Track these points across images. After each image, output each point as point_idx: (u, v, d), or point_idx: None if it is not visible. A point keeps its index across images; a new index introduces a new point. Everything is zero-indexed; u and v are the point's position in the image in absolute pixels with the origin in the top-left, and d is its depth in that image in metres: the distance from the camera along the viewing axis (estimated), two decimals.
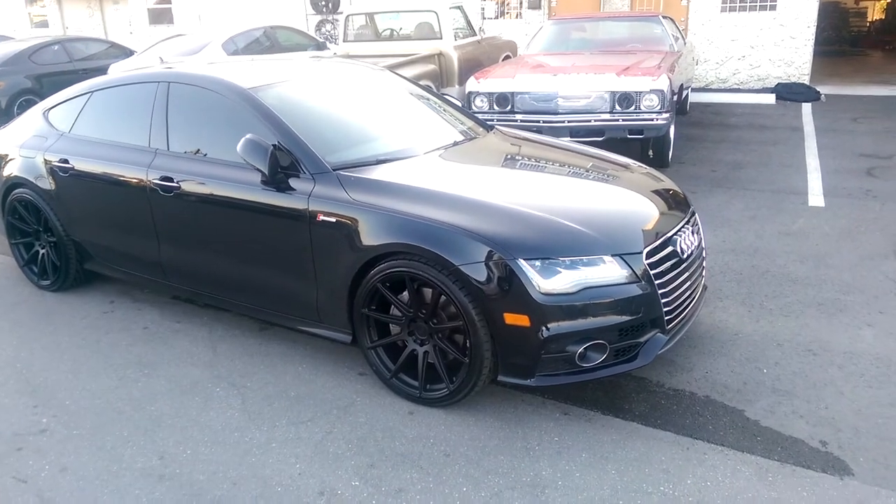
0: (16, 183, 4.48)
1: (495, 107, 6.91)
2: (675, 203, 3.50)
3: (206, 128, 3.73)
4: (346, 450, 2.84)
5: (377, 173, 3.27)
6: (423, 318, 3.04)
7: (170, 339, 3.84)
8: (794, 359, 3.43)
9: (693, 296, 3.33)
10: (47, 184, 4.29)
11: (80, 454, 2.84)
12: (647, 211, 3.24)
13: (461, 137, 3.97)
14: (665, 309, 3.02)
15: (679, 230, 3.24)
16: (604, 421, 3.00)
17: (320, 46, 11.49)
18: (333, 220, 3.15)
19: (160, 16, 17.93)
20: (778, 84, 11.48)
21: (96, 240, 4.21)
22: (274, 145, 3.31)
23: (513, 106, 6.84)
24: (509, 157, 3.85)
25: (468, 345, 2.92)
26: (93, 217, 4.16)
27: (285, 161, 3.33)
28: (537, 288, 2.77)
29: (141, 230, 3.90)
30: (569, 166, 3.68)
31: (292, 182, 3.29)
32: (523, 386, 2.93)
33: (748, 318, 3.87)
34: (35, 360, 3.63)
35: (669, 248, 3.12)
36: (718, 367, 3.38)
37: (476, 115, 6.91)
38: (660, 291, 2.98)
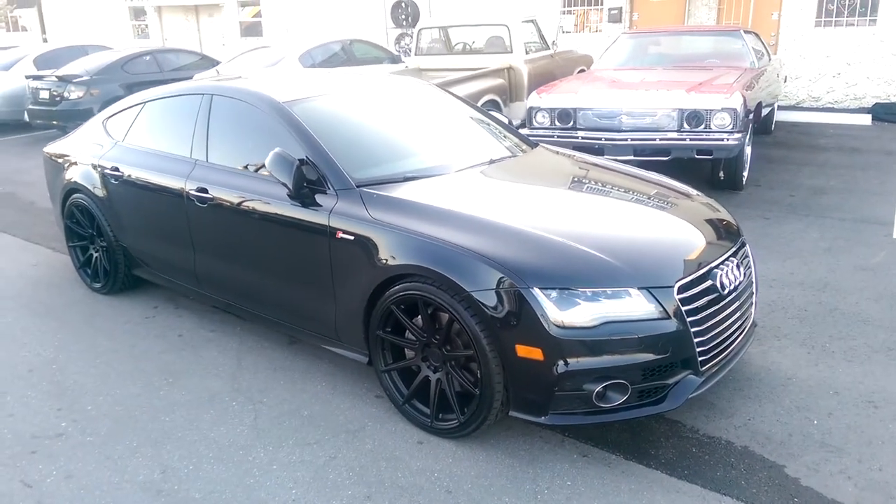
0: (73, 188, 4.65)
1: (557, 123, 6.71)
2: (724, 234, 3.23)
3: (242, 140, 3.75)
4: (347, 478, 2.74)
5: (400, 191, 3.18)
6: (437, 344, 2.91)
7: (200, 349, 3.87)
8: (850, 410, 3.09)
9: (736, 335, 3.05)
10: (100, 190, 4.43)
11: (87, 462, 2.86)
12: (686, 241, 3.00)
13: (500, 155, 3.82)
14: (699, 349, 2.77)
15: (721, 263, 2.98)
16: (624, 467, 2.77)
17: (395, 60, 11.59)
18: (352, 237, 3.07)
19: (251, 29, 18.63)
20: (875, 104, 10.69)
21: (141, 246, 4.31)
22: (301, 160, 3.27)
23: (575, 122, 6.62)
24: (546, 176, 3.67)
25: (479, 375, 2.76)
26: (139, 224, 4.26)
27: (313, 176, 3.28)
28: (552, 320, 2.59)
29: (179, 239, 3.96)
30: (612, 189, 3.47)
31: (317, 197, 3.24)
32: (537, 423, 2.74)
33: (805, 361, 3.52)
34: (71, 362, 3.73)
35: (707, 283, 2.86)
36: (763, 415, 3.08)
37: (537, 131, 6.79)
38: (693, 329, 2.74)
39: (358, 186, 3.21)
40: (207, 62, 12.76)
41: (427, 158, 3.61)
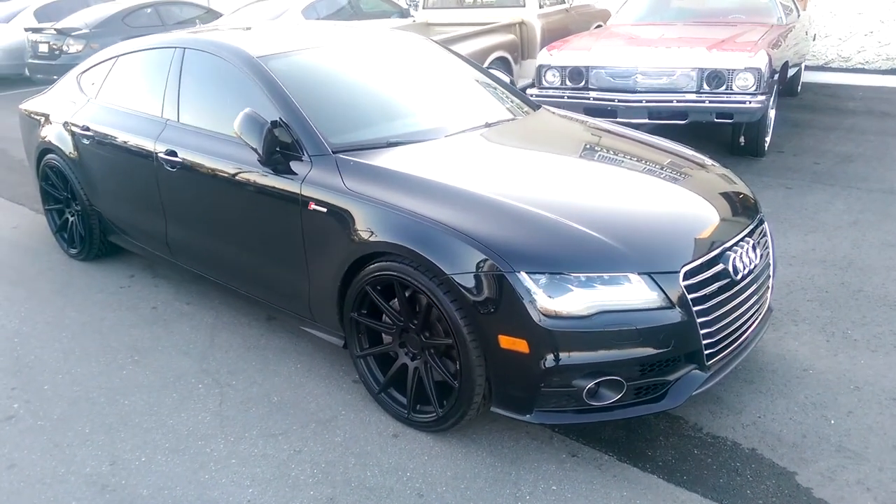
0: (47, 149, 4.38)
1: (568, 82, 6.30)
2: (740, 210, 2.89)
3: (214, 99, 3.44)
4: (310, 475, 2.49)
5: (381, 159, 2.87)
6: (415, 329, 2.63)
7: (173, 323, 3.63)
8: (872, 409, 2.79)
9: (749, 323, 2.74)
10: (73, 151, 4.16)
11: (33, 450, 2.65)
12: (696, 219, 2.67)
13: (497, 118, 3.48)
14: (706, 341, 2.47)
15: (735, 245, 2.66)
16: (617, 470, 2.50)
17: (404, 14, 11.10)
18: (324, 209, 2.78)
19: None
20: None
21: (115, 212, 4.05)
22: (274, 122, 2.96)
23: (587, 82, 6.20)
24: (545, 142, 3.34)
25: (458, 367, 2.49)
26: (111, 188, 4.00)
27: (288, 139, 2.97)
28: (540, 308, 2.30)
29: (150, 205, 3.68)
30: (617, 158, 3.13)
31: (292, 164, 2.94)
32: (522, 421, 2.47)
33: (824, 350, 3.21)
34: (35, 336, 3.51)
35: (719, 267, 2.55)
36: (775, 412, 2.79)
37: (547, 91, 6.39)
38: (700, 320, 2.43)
39: (335, 152, 2.90)
40: (213, 15, 12.33)
41: (416, 122, 3.28)
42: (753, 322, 2.79)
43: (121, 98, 3.96)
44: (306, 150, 2.92)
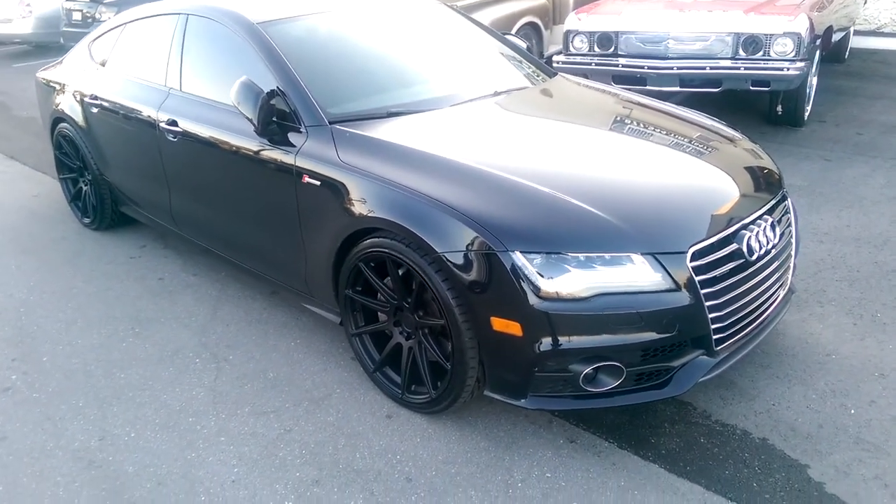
0: (60, 117, 4.36)
1: (596, 49, 6.04)
2: (761, 185, 2.71)
3: (214, 67, 3.35)
4: (298, 456, 2.43)
5: (378, 130, 2.74)
6: (410, 308, 2.53)
7: (177, 294, 3.59)
8: None
9: (765, 306, 2.57)
10: (82, 120, 4.13)
11: (26, 422, 2.64)
12: (709, 195, 2.50)
13: (508, 87, 3.32)
14: (715, 326, 2.32)
15: (752, 223, 2.48)
16: (616, 457, 2.38)
17: None
18: (318, 182, 2.68)
19: None
20: None
21: (123, 182, 4.02)
22: (272, 91, 2.85)
23: (616, 48, 5.94)
24: (557, 112, 3.17)
25: (451, 349, 2.38)
26: (119, 159, 3.96)
27: (286, 109, 2.86)
28: (535, 289, 2.17)
29: (154, 176, 3.63)
30: (632, 129, 2.96)
31: (290, 135, 2.83)
32: (516, 406, 2.35)
33: (850, 334, 3.02)
34: (41, 306, 3.51)
35: (732, 247, 2.38)
36: (791, 399, 2.63)
37: (574, 58, 6.14)
38: (708, 304, 2.28)
39: (331, 123, 2.78)
40: None
41: (420, 90, 3.14)
42: (771, 305, 2.62)
43: (127, 66, 3.90)
44: (303, 121, 2.81)
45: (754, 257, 2.43)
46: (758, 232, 2.46)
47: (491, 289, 2.22)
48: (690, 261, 2.25)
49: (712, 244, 2.33)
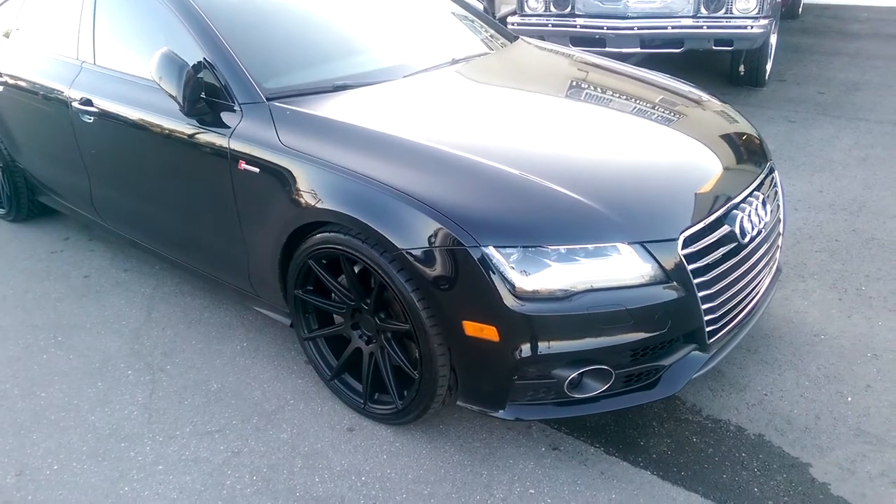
0: None
1: (552, 9, 5.74)
2: (746, 156, 2.48)
3: (133, 36, 2.93)
4: (248, 484, 2.14)
5: (324, 106, 2.41)
6: (369, 309, 2.24)
7: (106, 295, 3.22)
8: (894, 381, 2.45)
9: (756, 291, 2.37)
10: None
11: None
12: (696, 172, 2.26)
13: (466, 53, 3.01)
14: (708, 317, 2.09)
15: (743, 201, 2.25)
16: (604, 465, 2.16)
17: None
18: (256, 169, 2.34)
19: None
20: None
21: (38, 170, 3.58)
22: (198, 63, 2.48)
23: (573, 8, 5.65)
24: (520, 81, 2.88)
25: (418, 355, 2.11)
26: (31, 142, 3.51)
27: (218, 84, 2.50)
28: (512, 288, 1.90)
29: (71, 161, 3.21)
30: (603, 97, 2.69)
31: (223, 115, 2.47)
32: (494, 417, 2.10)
33: (837, 311, 2.86)
34: None
35: (724, 230, 2.15)
36: (784, 387, 2.45)
37: (529, 19, 5.83)
38: (701, 294, 2.05)
39: (269, 99, 2.43)
40: None
41: (369, 60, 2.81)
42: (760, 289, 2.41)
43: (34, 37, 3.43)
44: (236, 98, 2.45)
45: (747, 239, 2.21)
46: (750, 211, 2.24)
47: (461, 289, 1.95)
48: (682, 248, 2.02)
49: (704, 228, 2.09)
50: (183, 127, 2.56)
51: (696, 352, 2.13)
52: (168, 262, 3.04)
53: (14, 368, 2.72)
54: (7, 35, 3.60)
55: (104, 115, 2.86)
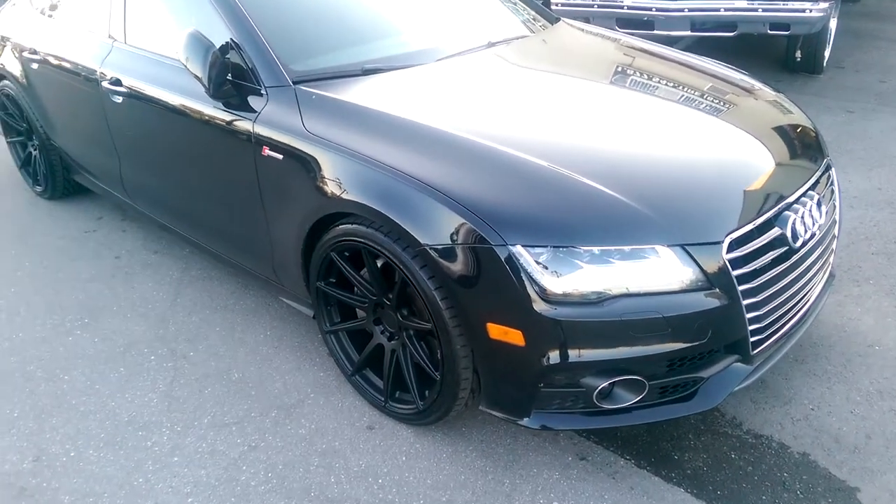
0: (0, 74, 3.88)
1: None
2: (801, 151, 2.31)
3: (162, 15, 2.87)
4: (262, 482, 2.09)
5: (351, 91, 2.31)
6: (391, 305, 2.15)
7: (135, 277, 3.20)
8: None
9: (806, 299, 2.20)
10: (25, 78, 3.65)
11: None
12: (747, 170, 2.10)
13: (504, 36, 2.87)
14: (752, 327, 1.95)
15: (797, 201, 2.09)
16: (635, 479, 2.05)
17: None
18: (280, 156, 2.26)
19: None
20: None
21: (72, 148, 3.57)
22: (225, 45, 2.41)
23: None
24: (560, 66, 2.73)
25: (440, 356, 2.01)
26: (65, 122, 3.50)
27: (246, 66, 2.42)
28: (540, 291, 1.79)
29: (102, 142, 3.19)
30: (646, 85, 2.53)
31: (250, 98, 2.39)
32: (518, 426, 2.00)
33: (893, 319, 2.67)
34: None
35: (774, 232, 1.99)
36: (832, 402, 2.29)
37: (574, 0, 5.62)
38: (746, 302, 1.90)
39: (295, 83, 2.34)
40: None
41: (401, 42, 2.69)
42: (810, 297, 2.25)
43: (69, 15, 3.40)
44: (262, 81, 2.37)
45: (799, 243, 2.05)
46: (803, 213, 2.07)
47: (486, 290, 1.84)
48: (726, 252, 1.87)
49: (752, 230, 1.94)
50: (208, 110, 2.49)
51: (739, 363, 1.99)
52: (196, 246, 3.00)
53: (40, 350, 2.71)
54: (44, 13, 3.58)
55: (133, 96, 2.81)
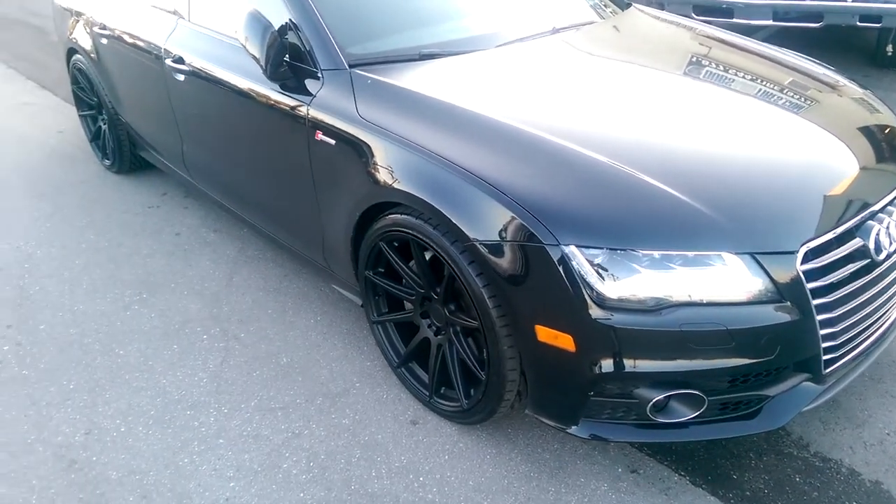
0: (73, 48, 3.98)
1: None
2: (890, 156, 2.12)
3: None
4: (304, 470, 2.07)
5: (406, 76, 2.24)
6: (439, 299, 2.09)
7: (193, 254, 3.24)
8: None
9: (887, 316, 2.03)
10: (94, 53, 3.73)
11: (10, 407, 2.34)
12: (827, 174, 1.94)
13: (570, 22, 2.75)
14: (826, 345, 1.80)
15: (882, 210, 1.92)
16: (689, 497, 1.94)
17: None
18: (332, 141, 2.22)
19: None
20: None
21: (138, 124, 3.63)
22: (284, 25, 2.38)
23: None
24: (628, 56, 2.60)
25: (486, 356, 1.95)
26: (132, 97, 3.56)
27: (303, 48, 2.38)
28: (594, 295, 1.69)
29: (165, 118, 3.22)
30: (721, 77, 2.38)
31: (308, 82, 2.36)
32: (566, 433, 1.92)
33: None
34: (47, 262, 3.21)
35: (855, 243, 1.83)
36: None
37: None
38: (820, 318, 1.76)
39: (351, 66, 2.29)
40: None
41: (460, 26, 2.61)
42: (894, 311, 2.07)
43: None
44: (318, 63, 2.33)
45: (882, 256, 1.88)
46: (889, 223, 1.91)
47: (536, 291, 1.76)
48: (801, 263, 1.73)
49: (830, 240, 1.79)
50: (265, 91, 2.47)
51: (809, 382, 1.85)
52: (251, 226, 3.01)
53: (99, 323, 2.77)
54: None
55: (194, 74, 2.82)
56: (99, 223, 3.55)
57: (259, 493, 1.99)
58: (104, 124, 4.05)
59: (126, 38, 3.33)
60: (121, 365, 2.53)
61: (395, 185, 1.99)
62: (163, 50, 3.00)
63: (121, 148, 3.90)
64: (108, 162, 4.11)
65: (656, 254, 1.70)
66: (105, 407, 2.34)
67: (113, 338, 2.68)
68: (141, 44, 3.20)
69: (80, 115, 4.30)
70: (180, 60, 2.88)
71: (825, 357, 1.82)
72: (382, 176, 2.04)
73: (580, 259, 1.69)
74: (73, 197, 3.85)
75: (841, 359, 1.87)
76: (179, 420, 2.27)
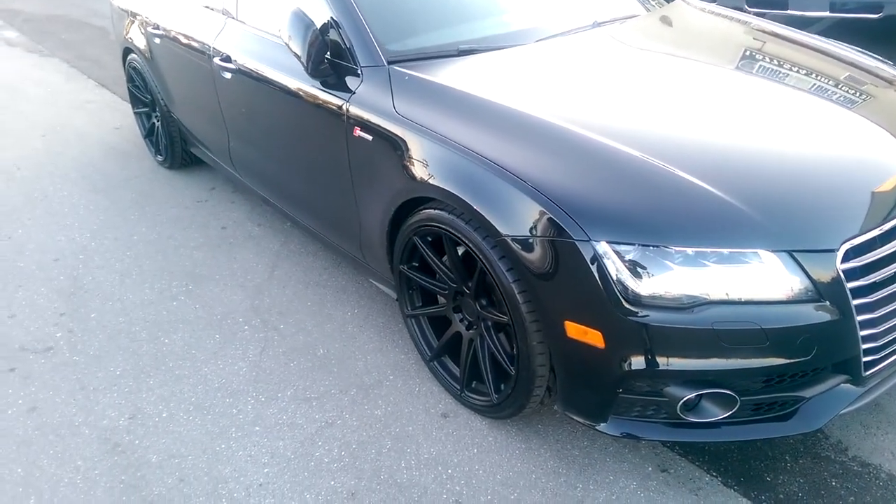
0: (128, 48, 4.13)
1: None
2: None
3: None
4: (336, 459, 2.11)
5: (443, 72, 2.26)
6: (471, 294, 2.10)
7: (238, 248, 3.33)
8: None
9: None
10: (148, 52, 3.86)
11: (59, 391, 2.45)
12: (873, 170, 1.88)
13: (613, 15, 2.72)
14: (866, 346, 1.75)
15: None
16: (720, 498, 1.91)
17: None
18: (370, 137, 2.25)
19: None
20: None
21: (188, 121, 3.75)
22: (326, 23, 2.42)
23: None
24: (672, 49, 2.55)
25: (516, 351, 1.95)
26: (183, 95, 3.67)
27: (343, 46, 2.42)
28: (624, 291, 1.68)
29: (213, 116, 3.32)
30: (770, 70, 2.32)
31: (348, 79, 2.39)
32: (594, 430, 1.91)
33: None
34: (100, 254, 3.34)
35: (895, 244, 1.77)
36: None
37: None
38: (860, 318, 1.71)
39: (390, 63, 2.32)
40: None
41: (499, 21, 2.61)
42: None
43: None
44: (358, 60, 2.36)
45: None
46: None
47: (566, 286, 1.75)
48: (841, 262, 1.68)
49: (873, 238, 1.73)
50: (307, 88, 2.52)
51: (848, 384, 1.80)
52: (293, 221, 3.07)
53: (146, 312, 2.88)
54: None
55: (240, 72, 2.89)
56: (150, 217, 3.68)
57: (291, 480, 2.04)
58: (157, 121, 4.19)
59: (178, 37, 3.44)
60: (165, 353, 2.62)
61: (430, 181, 2.01)
62: (211, 48, 3.09)
63: (172, 144, 4.03)
64: (160, 158, 4.25)
65: (690, 251, 1.67)
66: (149, 393, 2.43)
67: (159, 327, 2.78)
68: (191, 43, 3.29)
69: (134, 113, 4.46)
70: (227, 59, 2.96)
71: (865, 359, 1.77)
72: (416, 171, 2.06)
73: (611, 255, 1.68)
74: (126, 191, 3.99)
75: (883, 361, 1.81)
76: (218, 407, 2.34)
